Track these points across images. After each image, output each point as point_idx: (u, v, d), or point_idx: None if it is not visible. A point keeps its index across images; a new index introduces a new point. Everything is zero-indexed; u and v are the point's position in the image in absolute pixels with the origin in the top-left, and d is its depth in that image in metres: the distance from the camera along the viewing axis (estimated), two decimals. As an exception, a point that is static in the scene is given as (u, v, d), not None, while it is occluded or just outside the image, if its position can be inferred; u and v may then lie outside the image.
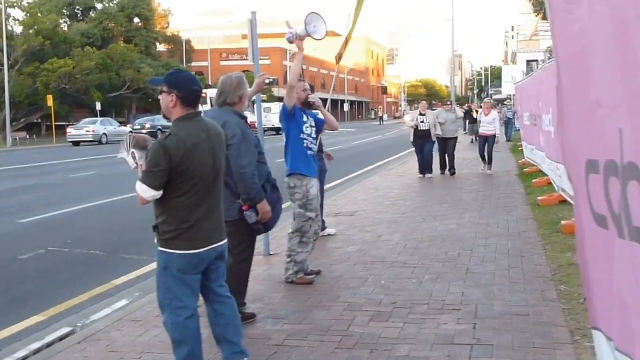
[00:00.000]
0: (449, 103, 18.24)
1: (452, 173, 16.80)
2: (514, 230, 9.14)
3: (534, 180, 14.10)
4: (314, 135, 6.68)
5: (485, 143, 16.98)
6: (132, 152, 4.32)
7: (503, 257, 7.50)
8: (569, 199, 10.44)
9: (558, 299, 5.88)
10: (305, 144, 6.56)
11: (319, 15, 6.13)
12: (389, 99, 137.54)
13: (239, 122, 5.32)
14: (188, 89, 4.11)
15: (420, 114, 16.16)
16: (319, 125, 6.89)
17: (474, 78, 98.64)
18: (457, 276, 6.77)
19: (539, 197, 11.45)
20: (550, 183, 12.99)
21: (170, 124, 4.19)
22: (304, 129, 6.53)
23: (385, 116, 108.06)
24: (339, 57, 8.03)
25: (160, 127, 44.82)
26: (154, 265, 8.02)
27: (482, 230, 9.17)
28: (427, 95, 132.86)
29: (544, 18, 34.51)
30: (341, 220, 10.36)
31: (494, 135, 16.97)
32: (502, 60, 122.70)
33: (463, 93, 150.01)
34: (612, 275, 2.58)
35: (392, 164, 21.68)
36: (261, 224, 5.40)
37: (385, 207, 11.78)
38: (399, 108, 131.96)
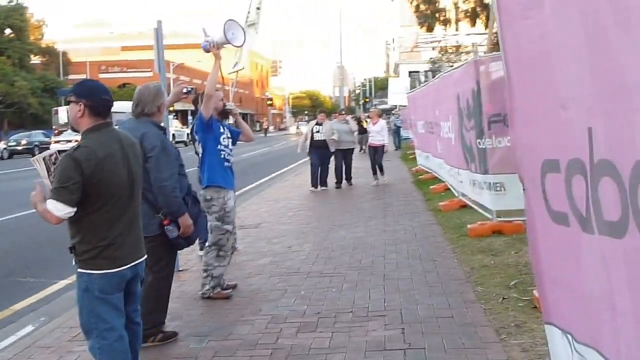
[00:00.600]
0: (343, 113, 17.90)
1: (350, 184, 16.74)
2: (421, 235, 9.34)
3: (431, 187, 14.50)
4: (230, 146, 6.58)
5: (375, 154, 16.75)
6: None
7: (416, 262, 7.64)
8: (470, 204, 10.79)
9: (477, 300, 6.04)
10: (222, 156, 6.44)
11: (236, 22, 6.06)
12: (273, 111, 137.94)
13: (158, 133, 5.16)
14: (97, 98, 3.93)
15: (317, 124, 16.02)
16: (235, 137, 6.79)
17: (360, 89, 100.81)
18: (375, 283, 6.83)
19: (440, 203, 11.78)
20: (448, 189, 13.40)
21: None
22: (221, 140, 6.41)
23: (271, 128, 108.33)
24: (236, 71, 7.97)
25: (37, 143, 42.90)
26: (54, 288, 7.72)
27: (390, 237, 9.31)
28: (312, 106, 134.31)
29: (428, 30, 35.64)
30: (247, 233, 10.25)
31: (383, 146, 16.72)
32: (384, 72, 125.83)
33: (347, 104, 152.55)
34: (572, 270, 2.65)
35: (286, 175, 21.71)
36: (182, 238, 5.25)
37: (289, 218, 11.76)
38: (284, 120, 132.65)
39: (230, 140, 6.62)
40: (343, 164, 16.63)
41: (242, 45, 6.07)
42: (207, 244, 6.56)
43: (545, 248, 2.95)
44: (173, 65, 70.13)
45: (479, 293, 6.24)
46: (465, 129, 9.60)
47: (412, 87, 32.61)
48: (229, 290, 6.68)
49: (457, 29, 39.22)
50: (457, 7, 35.71)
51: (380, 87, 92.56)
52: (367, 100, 73.09)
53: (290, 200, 14.33)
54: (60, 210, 3.68)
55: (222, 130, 6.49)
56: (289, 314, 5.95)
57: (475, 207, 10.41)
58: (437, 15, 34.55)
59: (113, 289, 3.91)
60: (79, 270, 3.88)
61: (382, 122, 16.94)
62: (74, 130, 4.06)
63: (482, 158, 8.89)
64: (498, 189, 8.71)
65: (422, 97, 15.72)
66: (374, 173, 16.72)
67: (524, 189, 3.09)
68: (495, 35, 33.54)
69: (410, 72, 76.27)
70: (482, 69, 8.67)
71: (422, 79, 72.91)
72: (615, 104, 2.07)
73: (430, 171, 16.66)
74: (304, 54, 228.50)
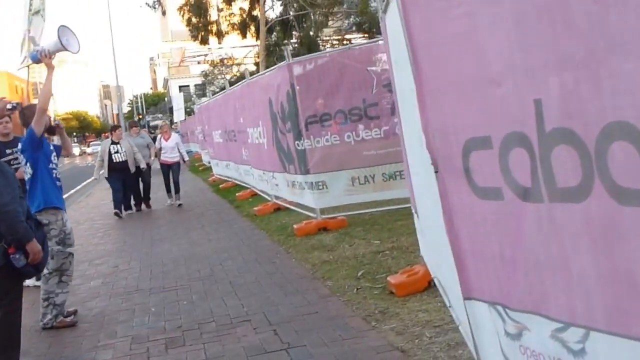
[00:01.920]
0: (136, 126, 15.48)
1: (149, 206, 14.72)
2: (248, 241, 9.24)
3: (237, 194, 14.40)
4: (58, 164, 6.03)
5: (170, 171, 14.69)
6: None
7: (256, 266, 7.54)
8: (286, 205, 10.93)
9: (332, 293, 6.08)
10: (54, 175, 5.88)
11: (69, 28, 5.54)
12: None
13: None
14: None
15: (114, 143, 13.59)
16: (58, 153, 6.25)
17: (132, 105, 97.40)
18: (224, 290, 6.63)
19: (254, 208, 11.73)
20: (255, 194, 13.45)
21: None
22: (52, 158, 5.85)
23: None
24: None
25: None
26: None
27: (217, 246, 9.11)
28: (80, 127, 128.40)
29: (202, 43, 35.40)
30: (63, 258, 9.47)
31: (179, 162, 14.95)
32: (151, 88, 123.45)
33: (116, 121, 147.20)
34: (506, 242, 2.74)
35: (77, 196, 20.46)
36: (32, 266, 4.70)
37: (101, 238, 11.07)
38: (51, 142, 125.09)
39: (56, 157, 6.09)
40: (141, 182, 14.52)
41: (78, 51, 5.56)
42: (46, 270, 5.93)
43: (467, 226, 3.02)
44: None
45: (331, 287, 6.29)
46: (280, 133, 9.66)
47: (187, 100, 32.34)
48: (72, 317, 6.12)
49: (219, 42, 39.11)
50: (220, 18, 35.82)
51: (152, 103, 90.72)
52: (141, 117, 71.08)
53: (93, 222, 13.50)
54: None
55: (51, 147, 5.95)
56: (148, 332, 5.57)
57: (293, 208, 10.54)
58: (209, 27, 34.53)
59: None
60: None
61: (175, 137, 15.15)
62: None
63: (302, 159, 9.00)
64: (320, 187, 8.87)
65: (219, 106, 15.57)
66: (168, 191, 14.84)
67: (436, 172, 3.14)
68: (267, 44, 34.29)
69: (180, 87, 75.96)
70: (296, 72, 8.77)
71: (194, 91, 72.90)
72: (577, 72, 2.15)
73: (231, 179, 16.60)
74: (64, 74, 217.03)
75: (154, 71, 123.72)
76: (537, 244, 2.55)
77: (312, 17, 36.27)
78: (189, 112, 45.91)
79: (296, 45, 37.71)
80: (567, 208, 2.33)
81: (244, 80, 11.88)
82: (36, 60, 5.50)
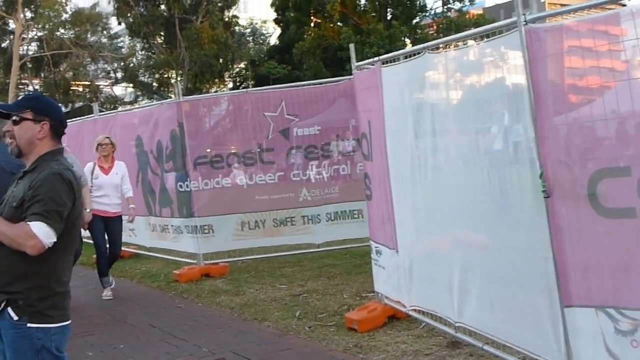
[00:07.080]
0: None
1: None
2: (119, 288, 9.16)
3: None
4: None
5: (107, 230, 8.68)
6: None
7: (163, 311, 7.59)
8: (132, 251, 11.03)
9: (284, 332, 6.41)
10: None
11: None
12: None
13: None
14: (61, 117, 3.59)
15: None
16: None
17: None
18: (155, 333, 6.64)
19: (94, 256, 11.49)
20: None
21: None
22: None
23: None
24: None
25: None
26: None
27: (88, 294, 8.93)
28: None
29: None
30: None
31: (121, 217, 8.90)
32: None
33: None
34: (633, 253, 3.66)
35: None
36: None
37: None
38: None
39: None
40: None
41: None
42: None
43: (579, 242, 3.87)
44: None
45: (276, 327, 6.63)
46: (152, 173, 9.80)
47: None
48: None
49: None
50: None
51: None
52: None
53: None
54: (49, 237, 3.17)
55: None
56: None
57: (146, 254, 10.70)
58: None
59: (64, 346, 3.50)
60: (30, 325, 3.33)
61: (121, 167, 8.84)
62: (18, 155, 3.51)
63: (186, 201, 9.24)
64: (206, 231, 9.18)
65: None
66: (104, 271, 8.71)
67: (546, 197, 3.99)
68: (17, 84, 32.92)
69: None
70: (186, 110, 9.09)
71: None
72: None
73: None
74: None
75: None
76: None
77: (70, 58, 35.96)
78: None
79: (39, 87, 36.90)
80: None
81: (88, 116, 11.75)
82: None
